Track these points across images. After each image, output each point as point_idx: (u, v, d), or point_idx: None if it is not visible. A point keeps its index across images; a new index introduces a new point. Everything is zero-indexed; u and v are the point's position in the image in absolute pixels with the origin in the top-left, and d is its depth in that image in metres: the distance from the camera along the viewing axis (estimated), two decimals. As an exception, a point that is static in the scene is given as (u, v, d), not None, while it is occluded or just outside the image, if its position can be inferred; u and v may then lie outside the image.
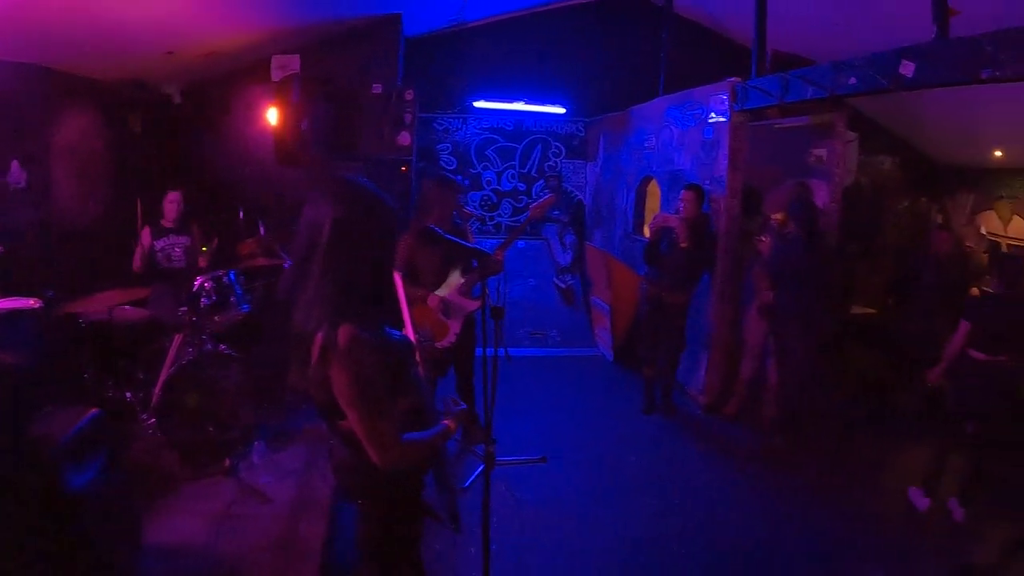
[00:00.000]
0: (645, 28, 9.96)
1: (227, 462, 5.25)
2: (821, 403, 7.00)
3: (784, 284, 6.22)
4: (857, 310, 8.49)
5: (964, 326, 5.29)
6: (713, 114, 7.04)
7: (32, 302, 4.20)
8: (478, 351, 5.44)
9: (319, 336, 2.35)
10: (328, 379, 2.34)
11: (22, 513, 3.12)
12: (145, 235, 6.45)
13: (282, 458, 5.62)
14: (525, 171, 11.11)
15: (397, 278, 4.08)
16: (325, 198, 2.40)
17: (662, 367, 7.22)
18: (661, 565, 4.64)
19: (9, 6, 4.57)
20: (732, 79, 6.70)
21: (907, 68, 4.50)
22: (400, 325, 2.89)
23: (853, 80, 5.01)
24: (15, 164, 5.46)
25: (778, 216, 6.71)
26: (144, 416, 5.38)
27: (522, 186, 11.13)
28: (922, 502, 5.38)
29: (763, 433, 6.65)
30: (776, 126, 7.65)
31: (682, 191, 6.87)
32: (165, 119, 7.95)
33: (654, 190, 9.06)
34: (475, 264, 4.99)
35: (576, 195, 11.33)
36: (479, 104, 10.54)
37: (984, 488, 5.31)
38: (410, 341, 2.78)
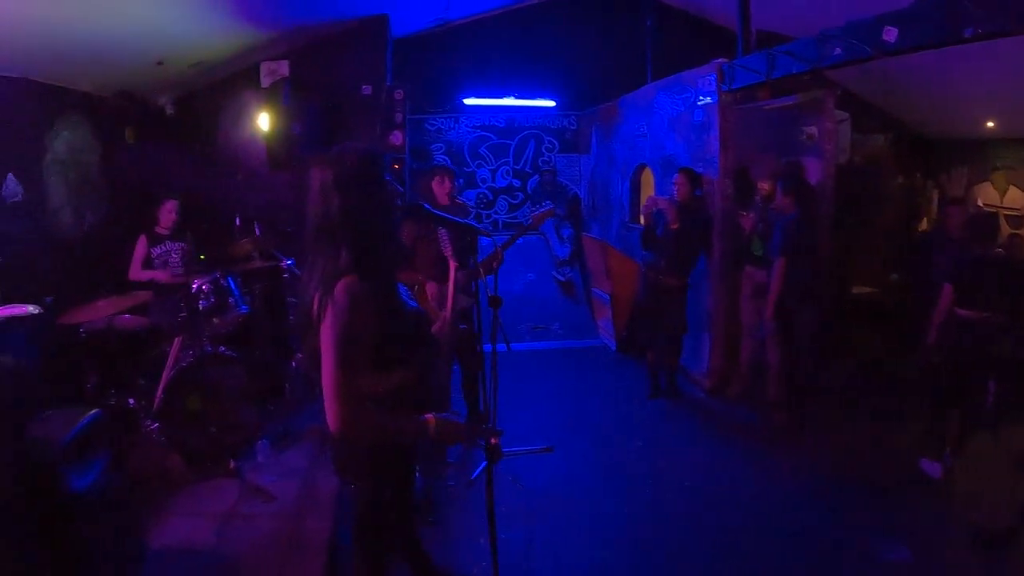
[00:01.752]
0: (630, 17, 9.95)
1: (231, 463, 5.28)
2: (824, 380, 6.99)
3: (773, 259, 6.23)
4: (857, 290, 8.48)
5: (947, 288, 5.35)
6: (702, 96, 7.04)
7: (31, 309, 4.22)
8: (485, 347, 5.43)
9: (316, 298, 2.40)
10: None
11: (22, 516, 3.13)
12: (141, 244, 6.48)
13: (286, 457, 5.64)
14: (519, 167, 11.15)
15: (452, 265, 4.09)
16: (321, 167, 2.49)
17: (664, 352, 7.21)
18: (671, 547, 4.63)
19: (3, 23, 4.60)
20: (719, 60, 6.70)
21: (890, 34, 4.50)
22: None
23: (838, 51, 5.00)
24: (10, 177, 5.48)
25: (764, 185, 6.72)
26: (147, 421, 5.39)
27: (517, 182, 11.16)
28: (934, 469, 5.37)
29: (767, 412, 6.64)
30: (766, 107, 7.65)
31: (675, 175, 6.88)
32: (159, 129, 7.97)
33: (649, 178, 9.06)
34: (473, 263, 5.04)
35: (571, 188, 11.36)
36: (470, 101, 10.58)
37: (980, 445, 5.32)
38: (424, 316, 2.78)
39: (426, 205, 3.00)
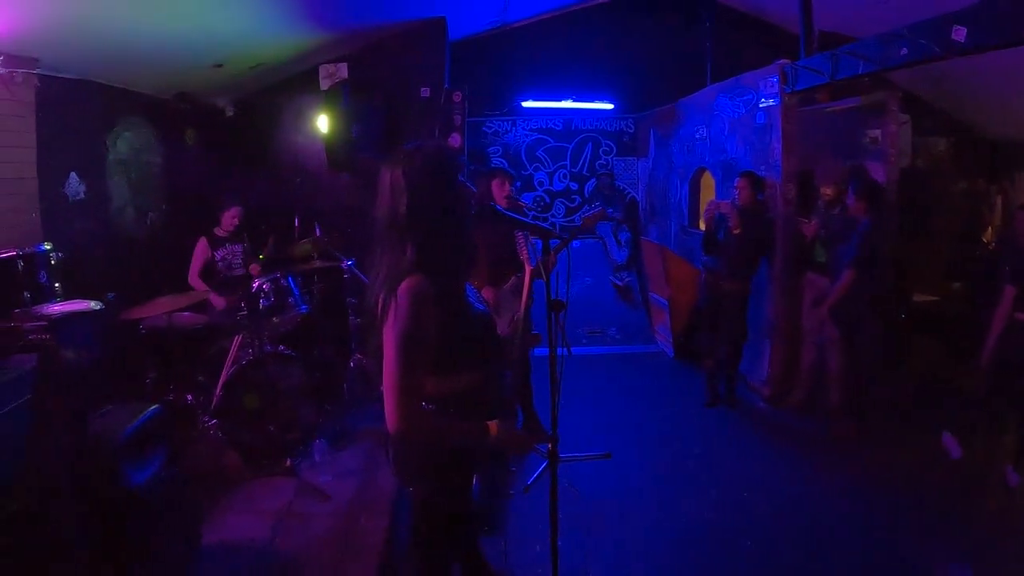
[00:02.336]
0: (688, 18, 9.82)
1: (288, 461, 5.30)
2: (884, 391, 6.80)
3: (843, 268, 6.05)
4: (918, 298, 8.24)
5: (1009, 291, 5.21)
6: (764, 98, 6.92)
7: (93, 305, 4.27)
8: (538, 351, 5.38)
9: (381, 296, 2.38)
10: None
11: (81, 510, 3.16)
12: (202, 246, 6.56)
13: (343, 457, 5.66)
14: (576, 170, 11.09)
15: (527, 268, 4.04)
16: (391, 164, 2.48)
17: (724, 358, 7.09)
18: (727, 559, 4.54)
19: (67, 26, 4.69)
20: (781, 61, 6.58)
21: (959, 33, 4.36)
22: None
23: (904, 51, 4.86)
24: (73, 176, 5.60)
25: (828, 190, 6.57)
26: (205, 418, 5.45)
27: (574, 185, 11.11)
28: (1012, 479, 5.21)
29: (827, 423, 6.46)
30: (827, 110, 7.50)
31: (736, 179, 6.77)
32: (218, 131, 8.10)
33: (708, 182, 8.95)
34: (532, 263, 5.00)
35: (629, 192, 11.26)
36: (527, 104, 10.54)
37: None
38: (492, 320, 2.74)
39: (498, 207, 2.97)
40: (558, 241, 3.37)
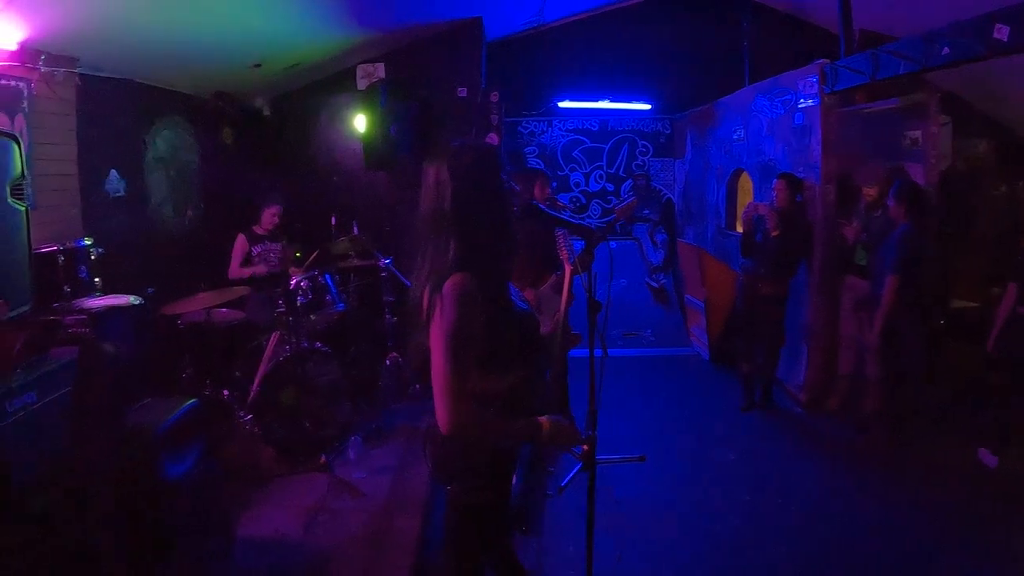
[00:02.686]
0: (725, 18, 9.74)
1: (322, 458, 5.32)
2: (923, 398, 6.68)
3: (884, 272, 5.95)
4: (958, 303, 8.09)
5: (1012, 287, 5.32)
6: (803, 99, 6.84)
7: (132, 299, 4.33)
8: (574, 352, 5.35)
9: (426, 293, 2.38)
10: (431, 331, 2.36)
11: (119, 500, 3.18)
12: (240, 242, 6.61)
13: (377, 455, 5.68)
14: (612, 171, 11.04)
15: (567, 268, 4.05)
16: (436, 161, 2.47)
17: (760, 363, 7.00)
18: (760, 566, 4.48)
19: (107, 26, 4.76)
20: (821, 60, 6.48)
21: (1001, 32, 4.28)
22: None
23: (946, 50, 4.78)
24: (113, 173, 5.67)
25: (871, 191, 6.46)
26: (241, 413, 5.49)
27: (610, 187, 11.06)
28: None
29: (865, 430, 6.35)
30: (866, 111, 7.40)
31: (774, 180, 6.70)
32: (256, 130, 8.17)
33: (746, 184, 8.85)
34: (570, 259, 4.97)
35: (665, 193, 11.19)
36: (564, 104, 10.52)
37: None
38: (535, 319, 2.71)
39: (541, 205, 2.96)
40: (603, 244, 3.36)
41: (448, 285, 2.31)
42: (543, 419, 2.48)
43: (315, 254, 6.64)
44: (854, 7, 6.31)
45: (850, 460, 5.96)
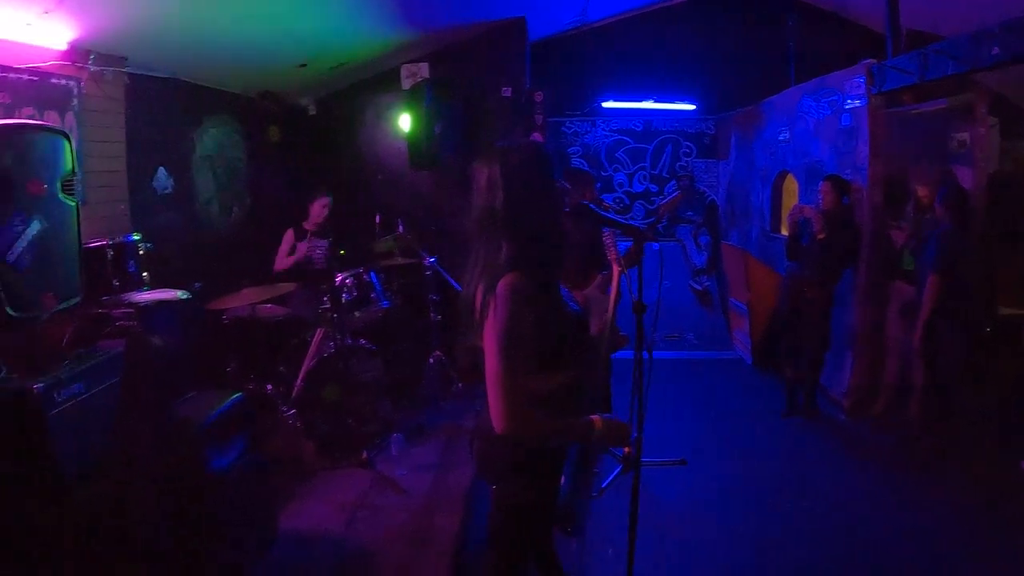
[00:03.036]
0: (771, 18, 9.64)
1: (364, 454, 5.37)
2: (971, 406, 6.54)
3: (925, 275, 5.85)
4: (1006, 310, 7.91)
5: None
6: (850, 99, 6.74)
7: (179, 294, 4.39)
8: (618, 354, 5.33)
9: (479, 293, 2.38)
10: (483, 331, 2.36)
11: (163, 491, 3.23)
12: (288, 237, 6.68)
13: (419, 452, 5.72)
14: (656, 172, 10.97)
15: (615, 269, 4.04)
16: (488, 160, 2.47)
17: (804, 368, 6.89)
18: (799, 571, 4.44)
19: (155, 26, 4.85)
20: (868, 61, 6.38)
21: (1053, 32, 4.20)
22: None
23: (996, 50, 4.67)
24: (162, 171, 5.77)
25: (924, 192, 6.35)
26: (284, 408, 5.55)
27: (654, 187, 10.99)
28: None
29: (909, 438, 6.23)
30: (913, 112, 7.28)
31: (820, 183, 6.62)
32: (301, 129, 8.27)
33: (791, 186, 8.75)
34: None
35: (709, 195, 11.10)
36: (608, 104, 10.49)
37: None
38: (585, 319, 2.71)
39: (591, 205, 2.95)
40: (657, 245, 3.33)
41: (501, 285, 2.31)
42: (596, 418, 2.47)
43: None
44: (901, 6, 6.20)
45: (892, 468, 5.86)
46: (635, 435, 2.80)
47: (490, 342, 2.31)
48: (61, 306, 3.64)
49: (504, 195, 2.39)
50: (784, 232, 7.50)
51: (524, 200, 2.41)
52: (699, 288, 10.46)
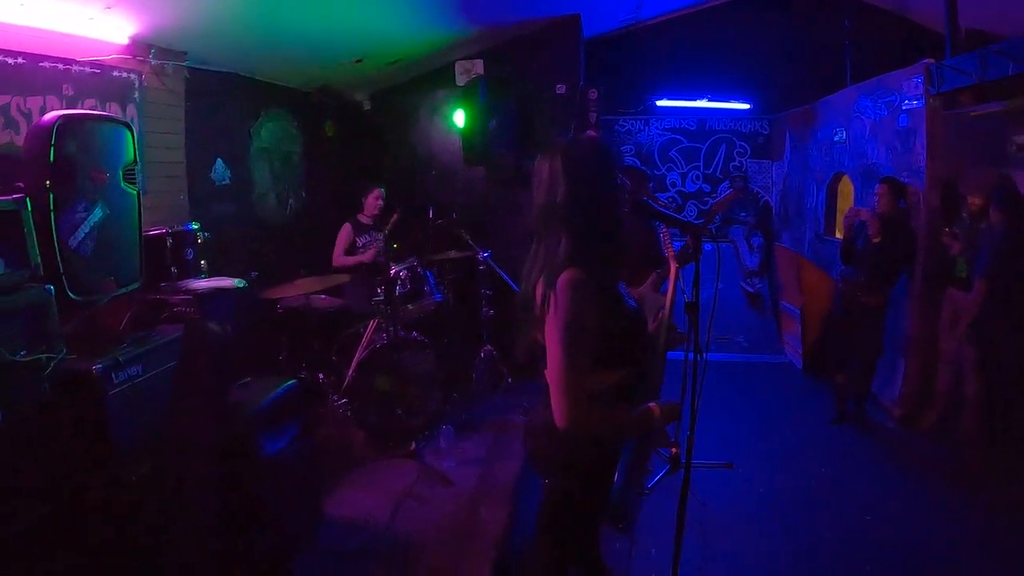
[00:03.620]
0: (826, 16, 9.50)
1: (412, 445, 5.43)
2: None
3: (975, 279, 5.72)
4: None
5: None
6: (907, 100, 6.63)
7: (236, 282, 4.48)
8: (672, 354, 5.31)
9: (539, 287, 2.39)
10: (543, 326, 2.37)
11: (216, 472, 3.30)
12: (346, 230, 6.79)
13: (467, 446, 5.78)
14: (710, 172, 10.88)
15: (672, 266, 4.06)
16: (550, 155, 2.48)
17: (855, 374, 6.78)
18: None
19: (215, 22, 4.96)
20: (926, 60, 6.26)
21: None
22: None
23: (1058, 51, 4.59)
24: (219, 162, 5.89)
25: (976, 200, 6.21)
26: (335, 397, 5.63)
27: (707, 187, 10.90)
28: None
29: (961, 451, 6.06)
30: (971, 113, 7.12)
31: (876, 185, 6.52)
32: (357, 124, 8.39)
33: (846, 188, 8.63)
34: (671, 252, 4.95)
35: (762, 196, 10.98)
36: (662, 103, 10.43)
37: None
38: (643, 316, 2.70)
39: (650, 202, 2.94)
40: (713, 245, 3.31)
41: (562, 280, 2.32)
42: (652, 405, 2.48)
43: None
44: (960, 4, 6.07)
45: (942, 481, 5.70)
46: (687, 434, 2.78)
47: (552, 339, 2.32)
48: (121, 291, 3.75)
49: (566, 189, 2.40)
50: (838, 235, 7.39)
51: (585, 195, 2.42)
52: (751, 290, 10.36)
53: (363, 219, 6.88)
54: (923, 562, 4.59)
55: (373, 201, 6.83)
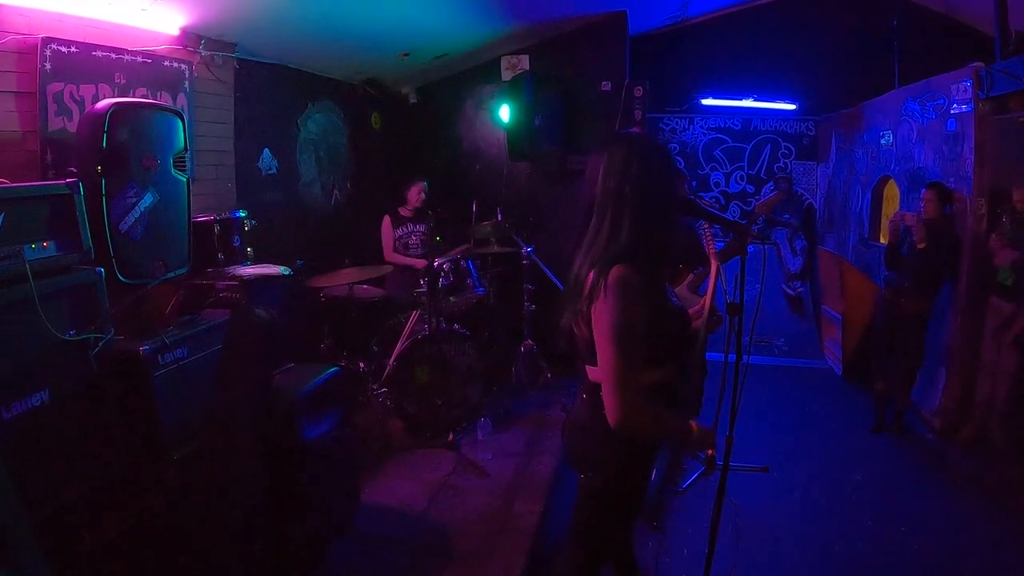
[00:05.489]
0: (875, 16, 9.36)
1: (450, 436, 5.49)
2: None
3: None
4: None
5: None
6: (956, 104, 6.52)
7: (281, 270, 4.56)
8: (709, 355, 5.29)
9: (590, 276, 2.39)
10: (590, 319, 2.38)
11: (258, 455, 3.36)
12: (387, 225, 6.91)
13: (505, 439, 5.82)
14: (754, 172, 10.80)
15: (713, 264, 4.09)
16: (611, 148, 2.50)
17: (896, 383, 6.66)
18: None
19: (265, 15, 5.07)
20: (975, 64, 6.15)
21: None
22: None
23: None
24: (267, 152, 5.99)
25: (1020, 197, 6.09)
26: (375, 386, 5.70)
27: (751, 188, 10.82)
28: None
29: (997, 464, 5.93)
30: (1020, 119, 7.01)
31: (923, 190, 6.43)
32: (402, 117, 8.49)
33: (892, 192, 8.53)
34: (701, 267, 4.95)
35: (806, 198, 10.88)
36: (707, 102, 10.37)
37: None
38: (687, 316, 2.72)
39: (699, 200, 2.95)
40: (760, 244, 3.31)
41: (612, 276, 2.32)
42: (693, 423, 2.48)
43: (463, 248, 6.70)
44: (1011, 7, 5.95)
45: (981, 494, 5.59)
46: (725, 434, 2.79)
47: (603, 337, 2.33)
48: (169, 275, 3.85)
49: (638, 178, 2.40)
50: (883, 240, 7.30)
51: (656, 186, 2.43)
52: (792, 293, 10.28)
53: (403, 212, 6.97)
54: None
55: (416, 194, 6.91)
